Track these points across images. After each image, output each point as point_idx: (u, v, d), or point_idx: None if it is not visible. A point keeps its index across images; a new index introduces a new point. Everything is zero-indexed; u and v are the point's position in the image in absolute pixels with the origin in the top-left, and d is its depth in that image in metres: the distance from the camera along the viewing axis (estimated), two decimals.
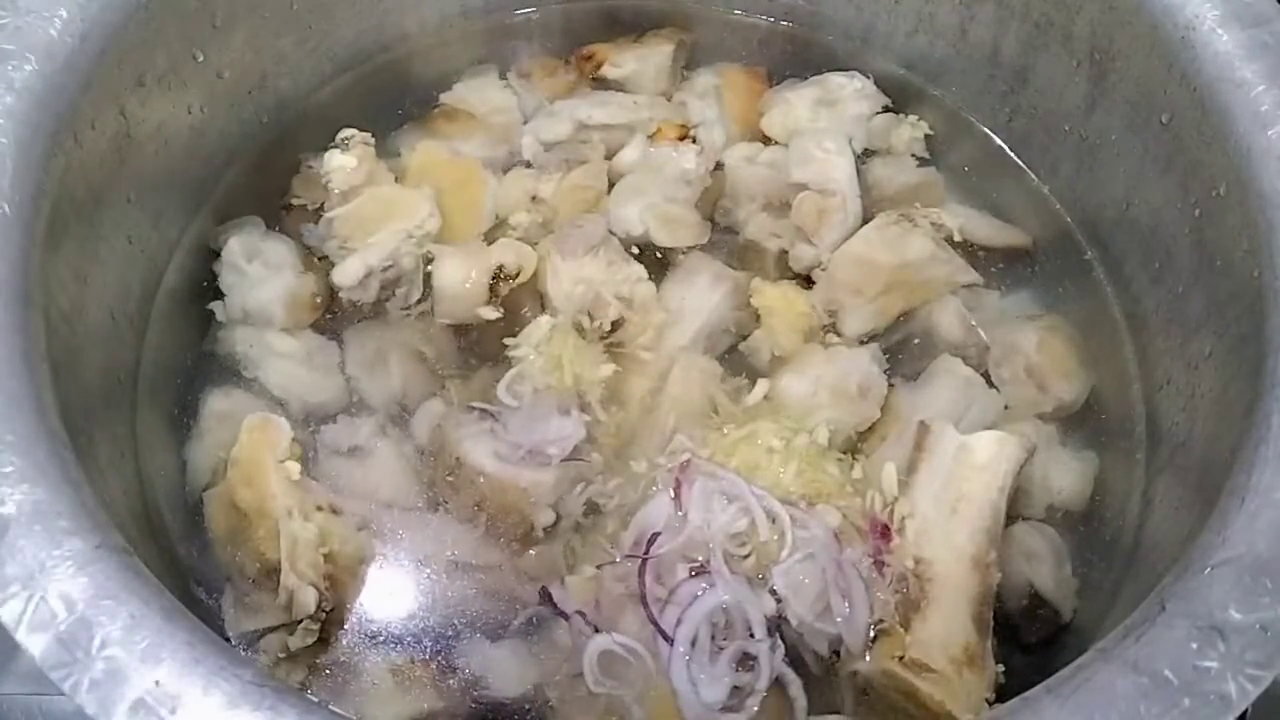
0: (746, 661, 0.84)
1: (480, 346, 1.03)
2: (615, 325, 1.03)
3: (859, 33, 1.28)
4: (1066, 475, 0.99)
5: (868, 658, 0.84)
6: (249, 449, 0.89)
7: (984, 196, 1.18)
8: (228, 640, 0.86)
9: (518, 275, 1.04)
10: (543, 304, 1.05)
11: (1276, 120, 0.86)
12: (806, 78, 1.24)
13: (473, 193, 1.12)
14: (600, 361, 1.00)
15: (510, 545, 0.91)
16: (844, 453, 0.97)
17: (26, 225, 0.77)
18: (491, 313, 1.04)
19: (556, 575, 0.89)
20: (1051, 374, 1.04)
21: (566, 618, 0.86)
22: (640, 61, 1.24)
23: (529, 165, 1.17)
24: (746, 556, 0.88)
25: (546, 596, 0.88)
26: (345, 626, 0.88)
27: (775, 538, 0.88)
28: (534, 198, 1.13)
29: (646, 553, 0.87)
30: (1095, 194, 1.11)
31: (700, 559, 0.87)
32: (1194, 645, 0.63)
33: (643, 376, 1.01)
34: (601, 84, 1.24)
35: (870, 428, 1.00)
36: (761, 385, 1.00)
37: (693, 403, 0.99)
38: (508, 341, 1.02)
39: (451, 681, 0.85)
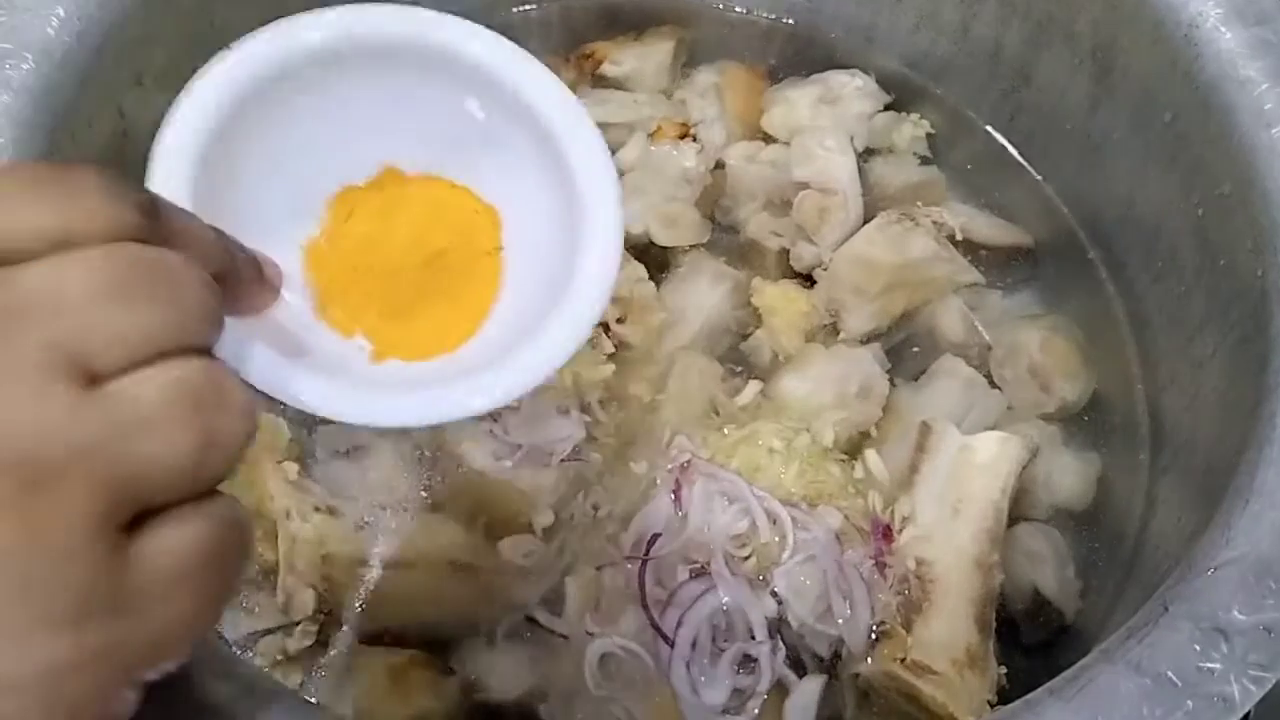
0: (747, 664, 0.84)
1: None
2: (614, 325, 1.02)
3: (860, 30, 1.27)
4: (1069, 476, 0.99)
5: (869, 660, 0.84)
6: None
7: (986, 195, 1.18)
8: (225, 642, 0.86)
9: None
10: None
11: None
12: (808, 75, 1.23)
13: None
14: (600, 361, 1.00)
15: (506, 550, 0.90)
16: (845, 453, 0.97)
17: None
18: None
19: (555, 576, 0.89)
20: (1054, 374, 1.03)
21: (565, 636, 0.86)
22: (640, 59, 1.23)
23: None
24: (747, 558, 0.87)
25: (533, 622, 0.87)
26: (344, 628, 0.87)
27: (776, 539, 0.88)
28: None
29: (646, 554, 0.87)
30: (1098, 193, 1.11)
31: (701, 560, 0.87)
32: (1197, 647, 0.63)
33: (643, 377, 1.01)
34: (601, 82, 1.23)
35: (871, 428, 0.99)
36: (753, 386, 1.00)
37: (693, 403, 0.99)
38: None
39: (450, 683, 0.85)
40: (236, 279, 0.48)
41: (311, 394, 0.56)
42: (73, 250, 0.38)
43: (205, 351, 0.42)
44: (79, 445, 0.35)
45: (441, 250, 0.67)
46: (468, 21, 0.66)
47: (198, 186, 0.57)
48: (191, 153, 0.58)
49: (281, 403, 0.55)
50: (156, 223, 0.41)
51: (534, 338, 0.61)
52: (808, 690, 0.84)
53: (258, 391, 0.54)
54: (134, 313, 0.38)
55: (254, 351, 0.55)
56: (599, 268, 0.63)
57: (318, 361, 0.59)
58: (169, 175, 0.57)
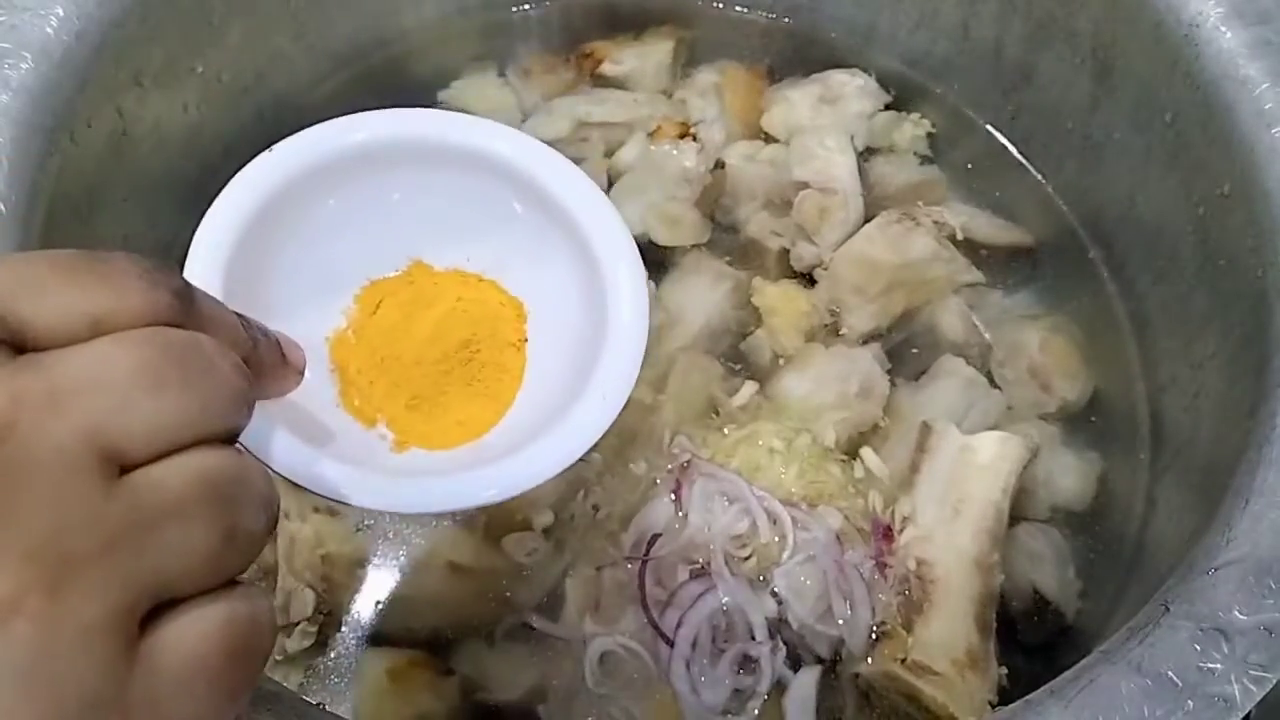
0: (747, 664, 0.84)
1: None
2: None
3: (861, 30, 1.27)
4: (1069, 476, 0.99)
5: (869, 660, 0.84)
6: None
7: (987, 195, 1.18)
8: None
9: None
10: None
11: None
12: (807, 75, 1.23)
13: None
14: None
15: (509, 546, 0.90)
16: (845, 453, 0.97)
17: (23, 225, 0.77)
18: None
19: (555, 576, 0.89)
20: (1055, 374, 1.03)
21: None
22: (640, 59, 1.23)
23: None
24: (747, 558, 0.87)
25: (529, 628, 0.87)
26: (343, 628, 0.87)
27: (776, 539, 0.88)
28: None
29: (646, 554, 0.87)
30: (1099, 192, 1.11)
31: (701, 561, 0.87)
32: (1198, 647, 0.63)
33: (642, 377, 0.99)
34: (601, 81, 1.23)
35: (872, 428, 0.99)
36: (749, 387, 0.99)
37: (693, 403, 0.98)
38: None
39: (450, 683, 0.85)
40: (259, 363, 0.48)
41: (333, 479, 0.57)
42: (110, 335, 0.37)
43: (232, 438, 0.42)
44: (106, 537, 0.34)
45: (466, 341, 0.69)
46: (498, 124, 0.70)
47: (230, 277, 0.59)
48: (227, 244, 0.61)
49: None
50: (190, 307, 0.41)
51: (556, 426, 0.62)
52: (804, 683, 0.83)
53: (279, 475, 0.55)
54: (169, 399, 0.37)
55: (276, 436, 0.56)
56: (622, 358, 0.65)
57: (340, 448, 0.60)
58: (203, 265, 0.59)
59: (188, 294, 0.41)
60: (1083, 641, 0.91)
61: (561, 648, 0.86)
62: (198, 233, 0.61)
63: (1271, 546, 0.67)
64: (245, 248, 0.62)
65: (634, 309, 0.67)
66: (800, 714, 0.82)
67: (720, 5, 1.31)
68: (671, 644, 0.83)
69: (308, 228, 0.67)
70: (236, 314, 0.47)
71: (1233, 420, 0.83)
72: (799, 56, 1.27)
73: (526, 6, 1.30)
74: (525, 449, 0.61)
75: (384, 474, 0.60)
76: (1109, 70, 1.04)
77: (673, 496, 0.90)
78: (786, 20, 1.31)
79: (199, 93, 1.04)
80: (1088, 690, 0.62)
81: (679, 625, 0.84)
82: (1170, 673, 0.62)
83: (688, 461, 0.91)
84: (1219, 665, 0.62)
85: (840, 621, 0.85)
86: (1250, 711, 0.61)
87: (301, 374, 0.54)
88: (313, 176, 0.66)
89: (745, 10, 1.31)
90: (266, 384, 0.51)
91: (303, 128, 0.68)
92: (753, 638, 0.84)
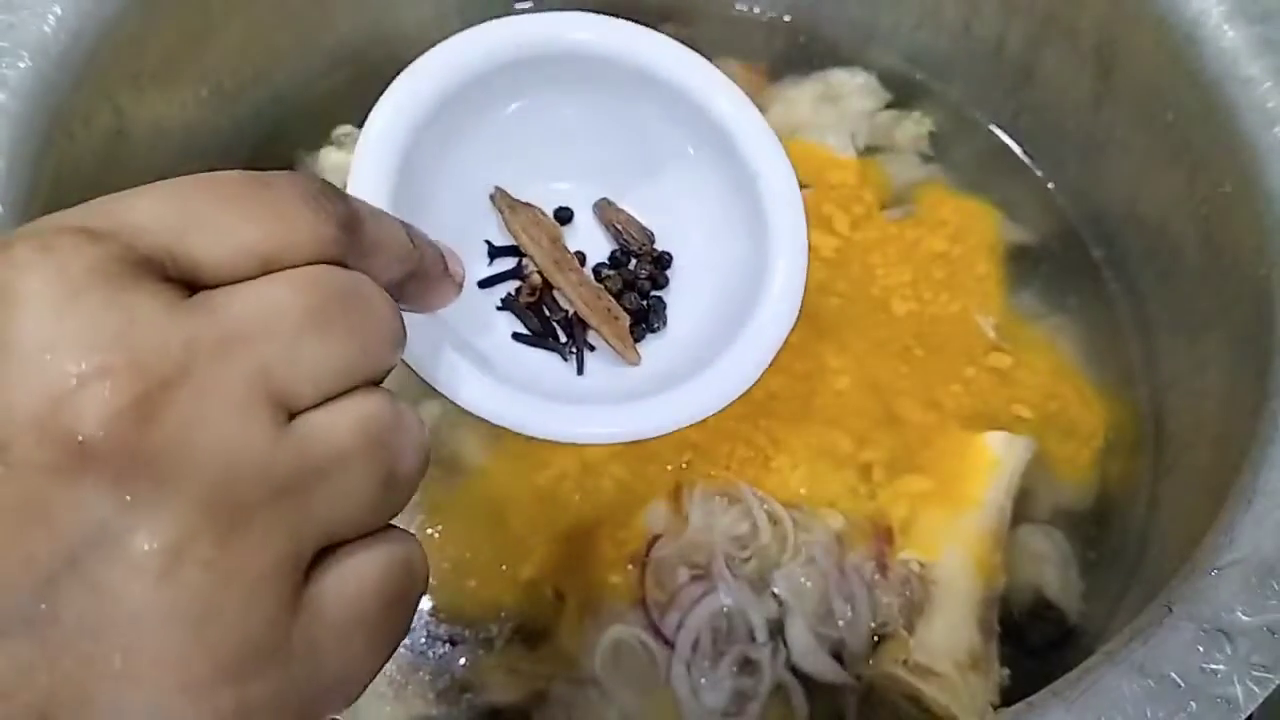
0: (748, 666, 0.84)
1: None
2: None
3: (862, 28, 1.27)
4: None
5: (871, 662, 0.84)
6: None
7: (988, 194, 1.17)
8: None
9: None
10: None
11: None
12: (808, 73, 1.23)
13: None
14: None
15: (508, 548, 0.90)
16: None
17: (20, 224, 0.76)
18: None
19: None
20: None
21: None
22: None
23: None
24: (748, 560, 0.87)
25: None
26: None
27: (777, 541, 0.87)
28: None
29: (646, 555, 0.87)
30: (1101, 191, 1.11)
31: (701, 562, 0.87)
32: (1200, 648, 0.62)
33: None
34: None
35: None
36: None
37: None
38: None
39: (448, 687, 0.85)
40: (424, 275, 0.47)
41: (472, 393, 0.55)
42: (279, 275, 0.36)
43: (382, 378, 0.41)
44: (277, 484, 0.33)
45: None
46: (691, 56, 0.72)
47: (398, 182, 0.57)
48: (396, 147, 0.58)
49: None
50: (355, 237, 0.40)
51: (721, 357, 0.60)
52: (799, 634, 0.83)
53: (426, 385, 0.54)
54: (334, 344, 0.37)
55: (441, 355, 0.55)
56: (785, 283, 0.64)
57: (498, 368, 0.59)
58: (372, 167, 0.57)
59: (353, 222, 0.40)
60: (1085, 642, 0.90)
61: (560, 651, 0.86)
62: (367, 128, 0.58)
63: (1275, 547, 0.67)
64: (415, 150, 0.59)
65: (794, 225, 0.67)
66: (814, 659, 0.83)
67: (720, 3, 1.31)
68: (672, 646, 0.83)
69: (481, 134, 0.64)
70: (401, 225, 0.45)
71: (1236, 420, 0.82)
72: (799, 55, 1.27)
73: (526, 6, 1.30)
74: (696, 378, 0.59)
75: (537, 394, 0.58)
76: (1111, 69, 1.04)
77: (673, 498, 0.90)
78: (787, 18, 1.30)
79: (197, 91, 1.04)
80: (1090, 691, 0.61)
81: (679, 627, 0.84)
82: (1173, 674, 0.61)
83: (687, 462, 0.91)
84: (1222, 666, 0.62)
85: (841, 623, 0.85)
86: (1253, 713, 0.61)
87: (461, 286, 0.52)
88: (501, 74, 0.63)
89: (746, 8, 1.31)
90: (428, 298, 0.49)
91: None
92: (753, 640, 0.84)
